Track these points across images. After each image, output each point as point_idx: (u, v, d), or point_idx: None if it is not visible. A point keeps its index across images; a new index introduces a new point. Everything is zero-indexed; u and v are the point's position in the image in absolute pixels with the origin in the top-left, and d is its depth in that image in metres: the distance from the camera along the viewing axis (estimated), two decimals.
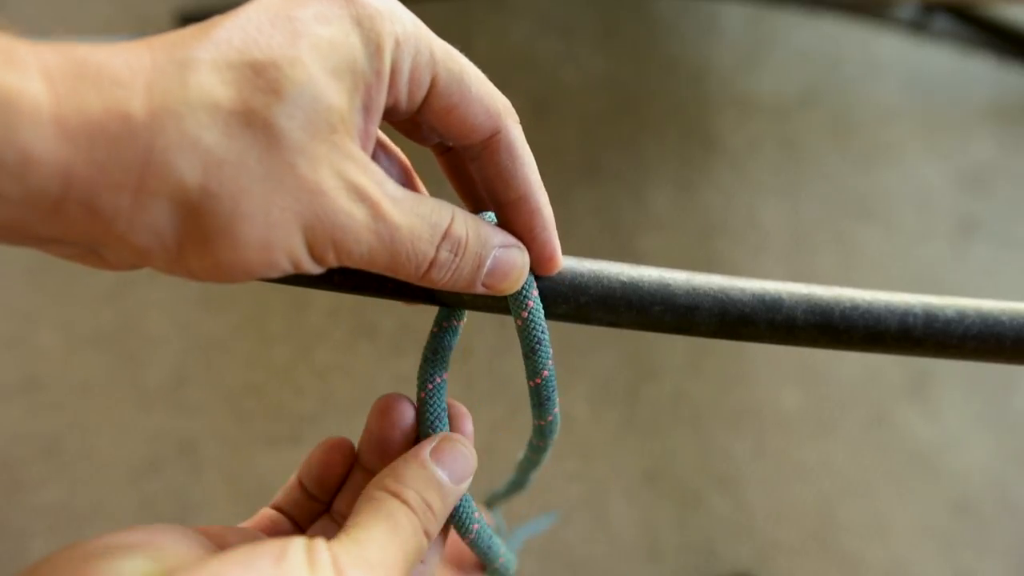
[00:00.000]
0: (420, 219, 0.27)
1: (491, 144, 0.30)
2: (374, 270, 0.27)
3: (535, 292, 0.31)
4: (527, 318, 0.31)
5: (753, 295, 0.32)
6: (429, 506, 0.29)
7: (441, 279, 0.29)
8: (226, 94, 0.23)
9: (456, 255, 0.29)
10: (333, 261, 0.26)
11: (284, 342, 1.18)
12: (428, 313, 0.33)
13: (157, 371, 1.15)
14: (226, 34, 0.24)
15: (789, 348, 0.34)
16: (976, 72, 1.38)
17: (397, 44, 0.26)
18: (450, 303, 0.32)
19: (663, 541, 1.10)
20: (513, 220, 0.31)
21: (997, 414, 1.18)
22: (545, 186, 0.31)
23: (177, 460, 1.11)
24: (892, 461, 1.15)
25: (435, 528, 0.29)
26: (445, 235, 0.28)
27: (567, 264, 0.32)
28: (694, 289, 0.32)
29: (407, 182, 0.32)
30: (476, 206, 0.34)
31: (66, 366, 1.15)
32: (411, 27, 0.27)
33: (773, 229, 1.25)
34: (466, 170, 0.33)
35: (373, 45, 0.26)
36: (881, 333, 0.32)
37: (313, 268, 0.26)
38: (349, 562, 0.25)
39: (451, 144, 0.31)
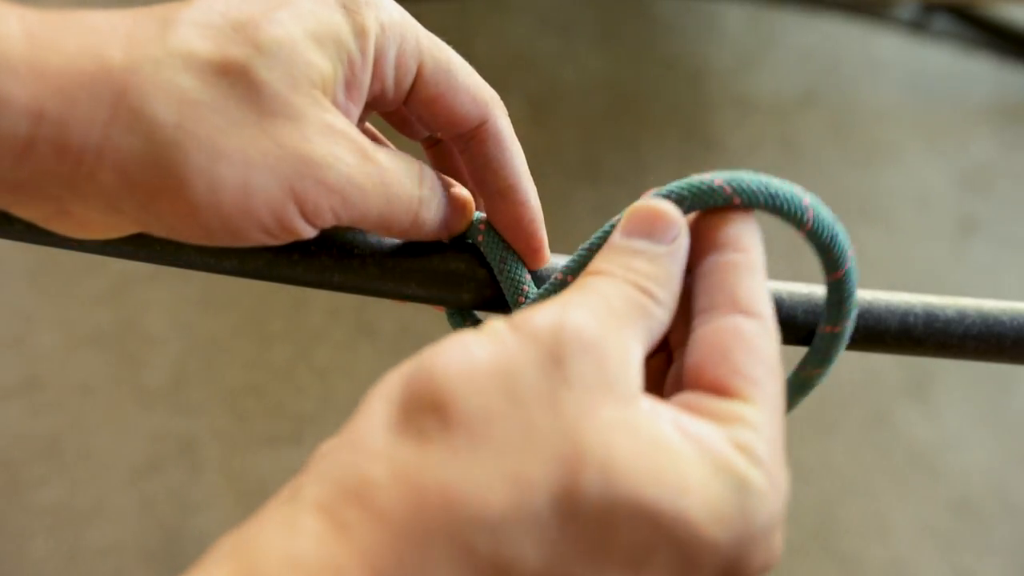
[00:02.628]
0: (401, 161, 0.28)
1: (479, 134, 0.30)
2: (368, 222, 0.27)
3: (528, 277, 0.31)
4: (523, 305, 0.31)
5: None
6: (631, 268, 0.24)
7: (429, 217, 0.29)
8: (204, 46, 0.23)
9: (433, 191, 0.29)
10: (328, 214, 0.25)
11: (284, 342, 1.18)
12: (428, 313, 0.33)
13: (157, 371, 1.15)
14: (209, 1, 0.24)
15: (789, 348, 0.33)
16: (976, 72, 1.38)
17: (382, 29, 0.26)
18: (450, 303, 0.32)
19: None
20: (501, 210, 0.31)
21: (997, 414, 1.18)
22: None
23: (177, 460, 1.11)
24: (892, 461, 1.15)
25: (654, 285, 0.24)
26: (421, 171, 0.29)
27: (557, 260, 0.32)
28: None
29: None
30: None
31: (66, 366, 1.15)
32: (397, 15, 0.27)
33: (772, 229, 1.25)
34: (454, 164, 0.33)
35: (358, 27, 0.26)
36: (881, 333, 0.32)
37: (302, 226, 0.25)
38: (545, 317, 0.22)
39: (440, 136, 0.31)
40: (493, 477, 0.19)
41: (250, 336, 1.18)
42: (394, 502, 0.19)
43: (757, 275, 0.25)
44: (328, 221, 0.26)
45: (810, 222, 0.28)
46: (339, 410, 1.14)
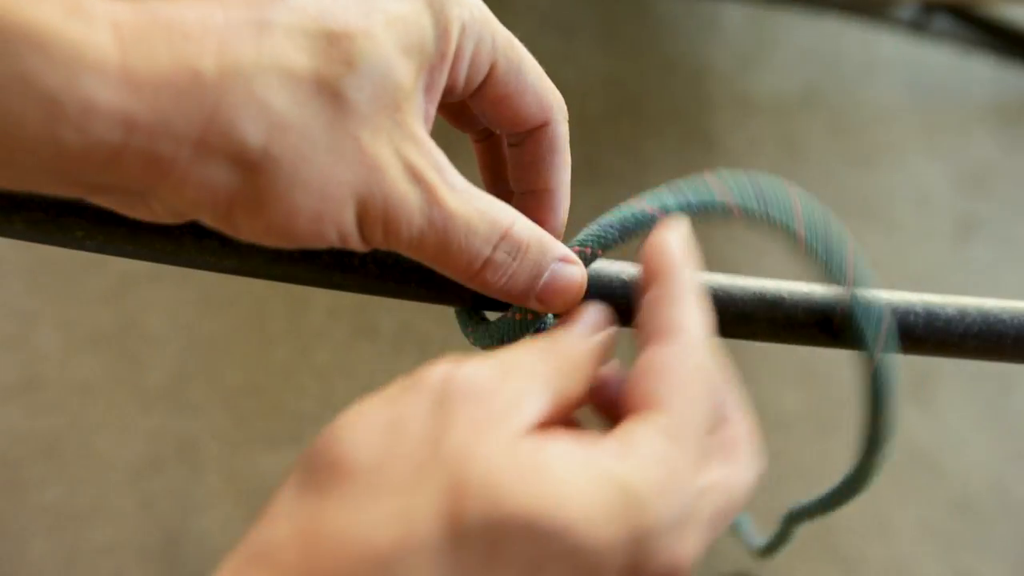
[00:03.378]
0: (478, 213, 0.26)
1: (537, 134, 0.30)
2: (422, 259, 0.27)
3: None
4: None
5: (754, 294, 0.32)
6: (554, 341, 0.27)
7: (495, 281, 0.27)
8: (299, 60, 0.23)
9: (514, 259, 0.27)
10: (380, 240, 0.26)
11: (284, 342, 1.18)
12: (428, 313, 0.33)
13: (157, 371, 1.15)
14: (302, 0, 0.24)
15: (789, 348, 0.33)
16: (976, 72, 1.38)
17: (463, 28, 0.26)
18: (450, 302, 0.32)
19: None
20: (529, 209, 0.30)
21: (997, 414, 1.18)
22: None
23: (177, 460, 1.11)
24: (892, 461, 1.15)
25: (566, 363, 0.26)
26: (504, 235, 0.27)
27: None
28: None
29: None
30: (497, 194, 0.34)
31: (66, 366, 1.15)
32: (477, 13, 0.27)
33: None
34: (500, 157, 0.33)
35: (441, 27, 0.26)
36: None
37: (359, 245, 0.26)
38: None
39: (496, 131, 0.31)
40: (382, 516, 0.21)
41: (250, 336, 1.18)
42: (292, 555, 0.20)
43: (675, 303, 0.27)
44: (381, 244, 0.26)
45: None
46: (339, 410, 1.14)
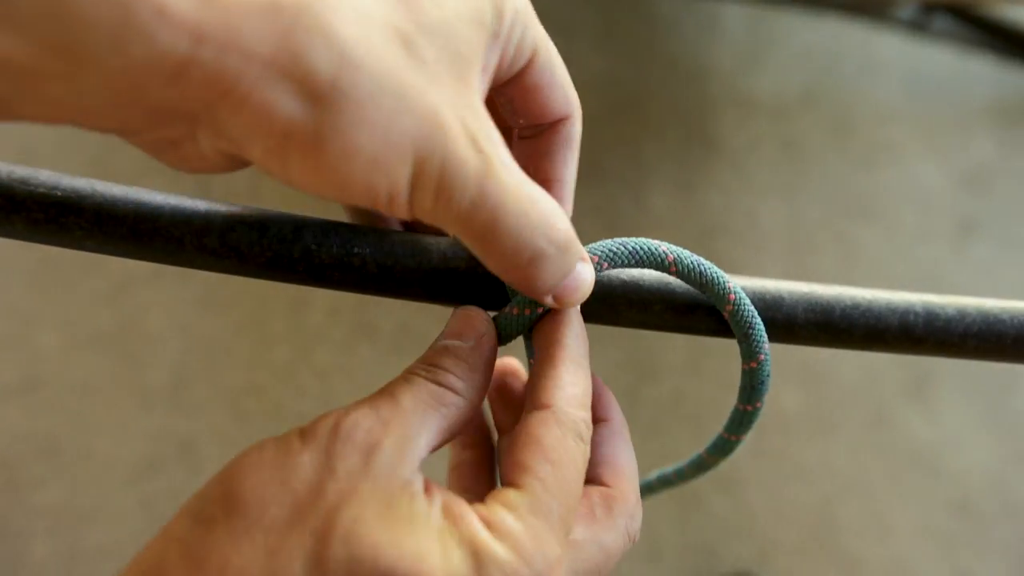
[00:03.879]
0: (530, 199, 0.26)
1: (556, 127, 0.31)
2: (467, 237, 0.26)
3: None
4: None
5: (753, 293, 0.32)
6: (436, 365, 0.28)
7: (542, 279, 0.27)
8: (376, 7, 0.23)
9: (559, 254, 0.27)
10: (428, 207, 0.25)
11: (284, 342, 1.18)
12: (428, 313, 0.33)
13: (157, 371, 1.15)
14: None
15: (789, 347, 0.34)
16: (976, 72, 1.38)
17: (515, 14, 0.27)
18: (450, 302, 0.32)
19: (663, 541, 1.10)
20: None
21: (997, 414, 1.18)
22: None
23: (177, 460, 1.11)
24: (892, 461, 1.15)
25: (454, 379, 0.28)
26: (553, 227, 0.26)
27: None
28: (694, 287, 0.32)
29: None
30: None
31: (66, 366, 1.15)
32: (524, 4, 0.27)
33: (773, 229, 1.25)
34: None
35: (498, 10, 0.26)
36: (882, 332, 0.32)
37: (404, 209, 0.25)
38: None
39: (521, 122, 0.31)
40: (257, 551, 0.23)
41: (250, 336, 1.18)
42: None
43: (556, 366, 0.29)
44: (427, 211, 0.25)
45: (732, 305, 0.31)
46: None
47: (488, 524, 0.25)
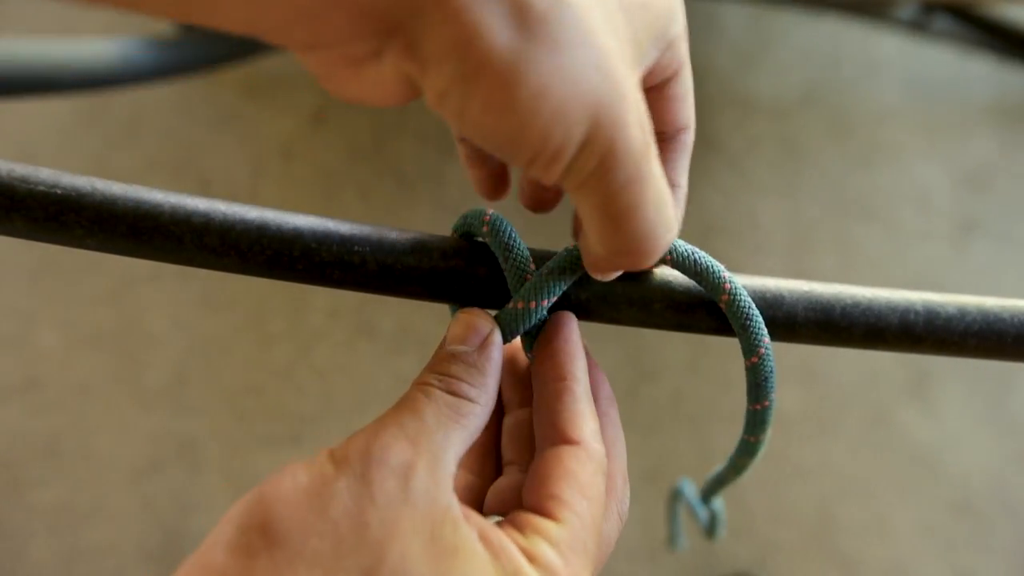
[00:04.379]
0: (668, 196, 0.26)
1: (676, 135, 0.32)
2: (600, 212, 0.25)
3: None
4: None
5: (754, 292, 0.32)
6: (447, 373, 0.28)
7: (641, 264, 0.27)
8: None
9: (663, 250, 0.27)
10: (586, 172, 0.24)
11: (284, 342, 1.18)
12: (428, 313, 0.33)
13: (157, 371, 1.15)
14: None
15: (789, 347, 0.34)
16: (976, 72, 1.38)
17: (683, 28, 0.29)
18: (450, 301, 0.32)
19: (663, 541, 1.09)
20: None
21: (997, 414, 1.18)
22: None
23: (177, 460, 1.11)
24: (892, 461, 1.15)
25: (467, 386, 0.28)
26: (673, 228, 0.27)
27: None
28: (695, 286, 0.32)
29: None
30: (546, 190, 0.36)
31: (66, 366, 1.15)
32: (684, 21, 0.29)
33: (773, 229, 1.25)
34: None
35: (676, 18, 0.28)
36: (882, 330, 0.32)
37: (560, 171, 0.24)
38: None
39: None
40: None
41: (250, 336, 1.18)
42: None
43: (578, 402, 0.30)
44: (579, 178, 0.24)
45: (728, 295, 0.31)
46: (339, 410, 1.14)
47: (530, 558, 0.25)
